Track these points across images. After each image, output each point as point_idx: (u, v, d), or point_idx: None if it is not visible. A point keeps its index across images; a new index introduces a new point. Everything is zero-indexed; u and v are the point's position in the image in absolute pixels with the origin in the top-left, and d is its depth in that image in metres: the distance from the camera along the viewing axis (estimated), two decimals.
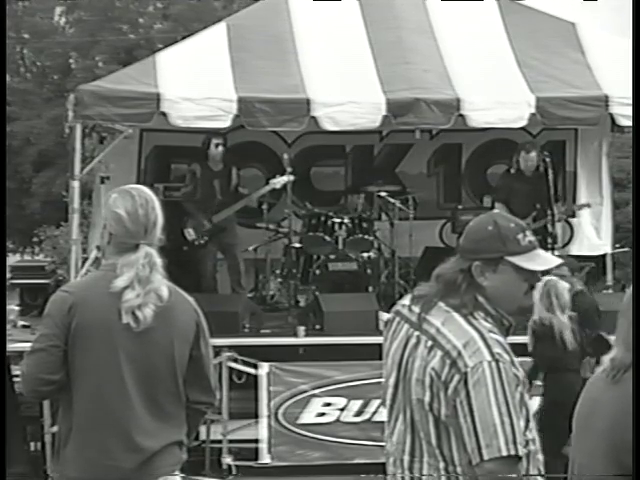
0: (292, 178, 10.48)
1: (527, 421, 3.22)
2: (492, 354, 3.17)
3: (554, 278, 8.08)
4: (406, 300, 3.47)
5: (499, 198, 10.81)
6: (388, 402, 3.42)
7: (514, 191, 10.66)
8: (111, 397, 3.85)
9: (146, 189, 4.08)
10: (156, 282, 3.88)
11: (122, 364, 3.84)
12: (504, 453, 3.11)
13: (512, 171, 10.86)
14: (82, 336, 3.84)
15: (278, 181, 10.50)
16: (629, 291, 3.06)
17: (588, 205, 11.62)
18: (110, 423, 3.85)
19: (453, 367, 3.18)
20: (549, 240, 10.40)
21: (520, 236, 3.33)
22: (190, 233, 10.58)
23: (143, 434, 3.87)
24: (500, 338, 3.25)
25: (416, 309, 3.37)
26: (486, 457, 3.12)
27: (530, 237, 3.35)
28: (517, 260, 3.31)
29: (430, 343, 3.26)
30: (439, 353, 3.22)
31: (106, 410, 3.85)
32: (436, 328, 3.28)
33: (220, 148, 10.57)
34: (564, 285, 8.11)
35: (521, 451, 3.14)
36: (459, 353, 3.18)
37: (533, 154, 10.57)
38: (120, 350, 3.85)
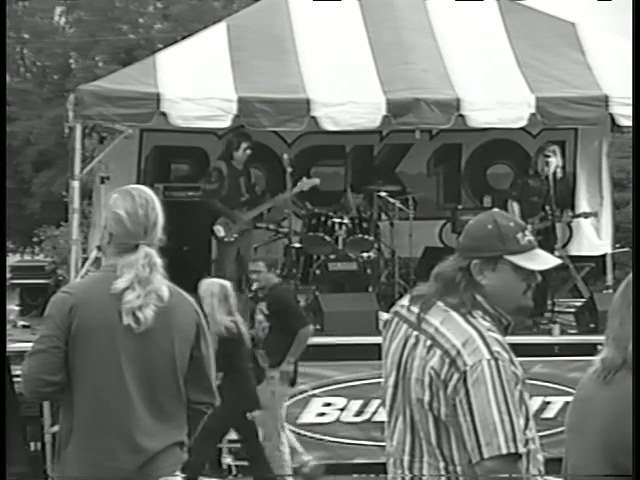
0: (318, 181, 10.53)
1: (527, 420, 3.22)
2: (491, 352, 3.17)
3: (223, 282, 8.35)
4: (405, 300, 3.47)
5: (514, 197, 10.82)
6: (388, 402, 3.42)
7: (529, 191, 10.68)
8: (112, 398, 3.84)
9: (147, 189, 4.07)
10: (156, 282, 3.88)
11: (123, 365, 3.84)
12: (504, 451, 3.11)
13: (530, 172, 10.85)
14: (83, 337, 3.83)
15: (306, 183, 10.52)
16: (619, 290, 3.05)
17: (595, 214, 11.57)
18: (111, 424, 3.85)
19: (452, 366, 3.18)
20: (551, 239, 10.40)
21: (519, 235, 3.32)
22: (219, 230, 10.58)
23: (144, 435, 3.86)
24: (499, 336, 3.25)
25: (415, 309, 3.37)
26: (486, 455, 3.12)
27: (529, 236, 3.35)
28: (516, 259, 3.30)
29: (429, 342, 3.26)
30: (438, 352, 3.22)
31: (107, 411, 3.84)
32: (435, 327, 3.28)
33: (248, 151, 10.57)
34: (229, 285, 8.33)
35: (521, 449, 3.14)
36: (458, 352, 3.18)
37: (553, 159, 10.56)
38: (121, 351, 3.84)
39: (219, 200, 10.63)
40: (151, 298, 3.85)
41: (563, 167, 10.58)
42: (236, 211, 10.68)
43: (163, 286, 3.90)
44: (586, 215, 11.41)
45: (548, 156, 10.55)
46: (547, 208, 10.52)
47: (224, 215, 10.61)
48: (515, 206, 10.59)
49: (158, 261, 3.91)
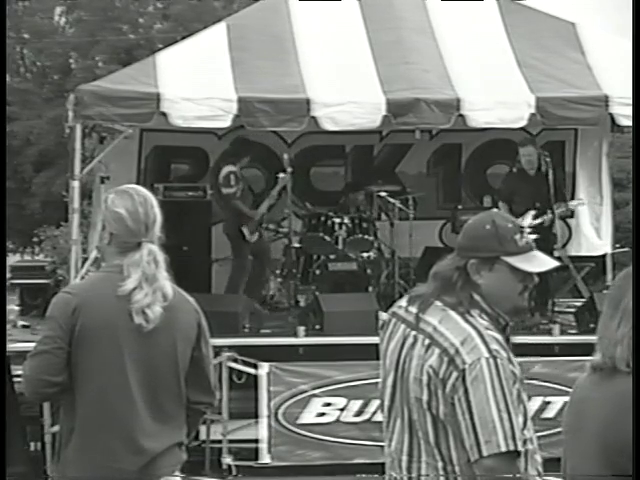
0: None
1: (525, 419, 3.22)
2: (489, 351, 3.17)
3: None
4: (403, 301, 3.48)
5: (502, 197, 10.81)
6: (386, 403, 3.42)
7: (517, 190, 10.65)
8: (115, 399, 3.84)
9: (142, 188, 4.09)
10: (161, 280, 3.89)
11: (126, 365, 3.84)
12: (503, 449, 3.11)
13: (514, 170, 10.86)
14: (86, 338, 3.83)
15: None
16: (607, 292, 3.05)
17: (582, 202, 11.61)
18: (113, 425, 3.85)
19: (451, 364, 3.18)
20: (551, 239, 10.39)
21: (517, 236, 3.33)
22: (246, 231, 10.78)
23: (146, 436, 3.86)
24: (497, 335, 3.25)
25: (413, 309, 3.38)
26: (485, 453, 3.12)
27: (527, 238, 3.35)
28: (513, 260, 3.31)
29: (427, 341, 3.27)
30: (437, 351, 3.22)
31: (110, 412, 3.84)
32: (433, 326, 3.28)
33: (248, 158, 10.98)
34: None
35: (520, 447, 3.14)
36: (457, 350, 3.19)
37: (530, 148, 10.54)
38: (125, 352, 3.84)
39: (243, 202, 10.92)
40: (157, 296, 3.86)
41: (544, 160, 10.49)
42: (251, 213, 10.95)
43: (167, 284, 3.91)
44: (578, 204, 11.43)
45: (524, 146, 10.52)
46: (537, 204, 10.49)
47: (246, 216, 10.77)
48: (503, 206, 10.51)
49: (161, 258, 3.92)
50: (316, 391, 9.11)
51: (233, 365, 9.21)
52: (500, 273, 3.32)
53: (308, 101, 9.43)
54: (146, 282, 3.85)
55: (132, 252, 3.88)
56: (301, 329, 9.58)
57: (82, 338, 3.83)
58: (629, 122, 9.61)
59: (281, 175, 10.88)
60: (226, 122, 9.46)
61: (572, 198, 12.25)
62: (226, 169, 10.89)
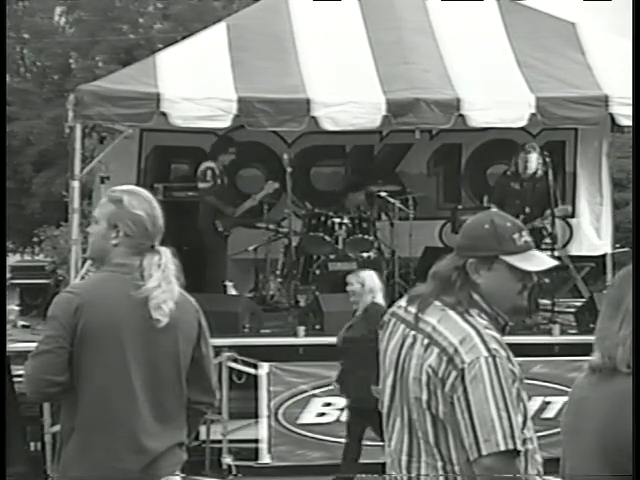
0: None
1: (524, 418, 3.22)
2: (489, 350, 3.17)
3: None
4: (402, 301, 3.48)
5: (494, 199, 10.82)
6: (386, 403, 3.42)
7: (508, 193, 10.65)
8: (117, 398, 3.83)
9: (145, 190, 4.10)
10: (173, 282, 3.91)
11: (128, 365, 3.83)
12: (502, 448, 3.11)
13: (508, 173, 10.86)
14: (89, 337, 3.82)
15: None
16: (607, 292, 3.04)
17: (566, 211, 11.60)
18: (115, 424, 3.84)
19: (450, 364, 3.18)
20: (545, 241, 10.39)
21: (516, 236, 3.33)
22: (219, 224, 10.79)
23: (148, 435, 3.86)
24: (496, 334, 3.25)
25: (412, 309, 3.38)
26: (484, 452, 3.12)
27: (526, 237, 3.36)
28: (512, 260, 3.31)
29: (427, 341, 3.27)
30: (436, 350, 3.22)
31: (111, 411, 3.83)
32: (432, 326, 3.28)
33: (232, 155, 11.00)
34: None
35: (519, 446, 3.14)
36: (456, 350, 3.19)
37: (533, 155, 10.53)
38: (127, 351, 3.84)
39: (218, 197, 10.85)
40: (170, 295, 3.87)
41: (544, 162, 10.48)
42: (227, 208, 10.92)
43: (175, 286, 3.92)
44: (564, 217, 11.38)
45: (528, 153, 10.49)
46: (526, 209, 10.46)
47: (220, 210, 10.76)
48: (496, 209, 10.46)
49: (174, 261, 3.94)
50: (316, 391, 9.12)
51: (233, 365, 9.22)
52: (499, 272, 3.32)
53: (308, 101, 9.45)
54: (164, 281, 3.87)
55: (150, 254, 3.90)
56: (301, 329, 9.59)
57: (84, 337, 3.82)
58: (629, 122, 9.62)
59: (269, 182, 10.95)
60: (226, 122, 9.48)
61: (573, 198, 12.26)
62: (204, 164, 10.92)
